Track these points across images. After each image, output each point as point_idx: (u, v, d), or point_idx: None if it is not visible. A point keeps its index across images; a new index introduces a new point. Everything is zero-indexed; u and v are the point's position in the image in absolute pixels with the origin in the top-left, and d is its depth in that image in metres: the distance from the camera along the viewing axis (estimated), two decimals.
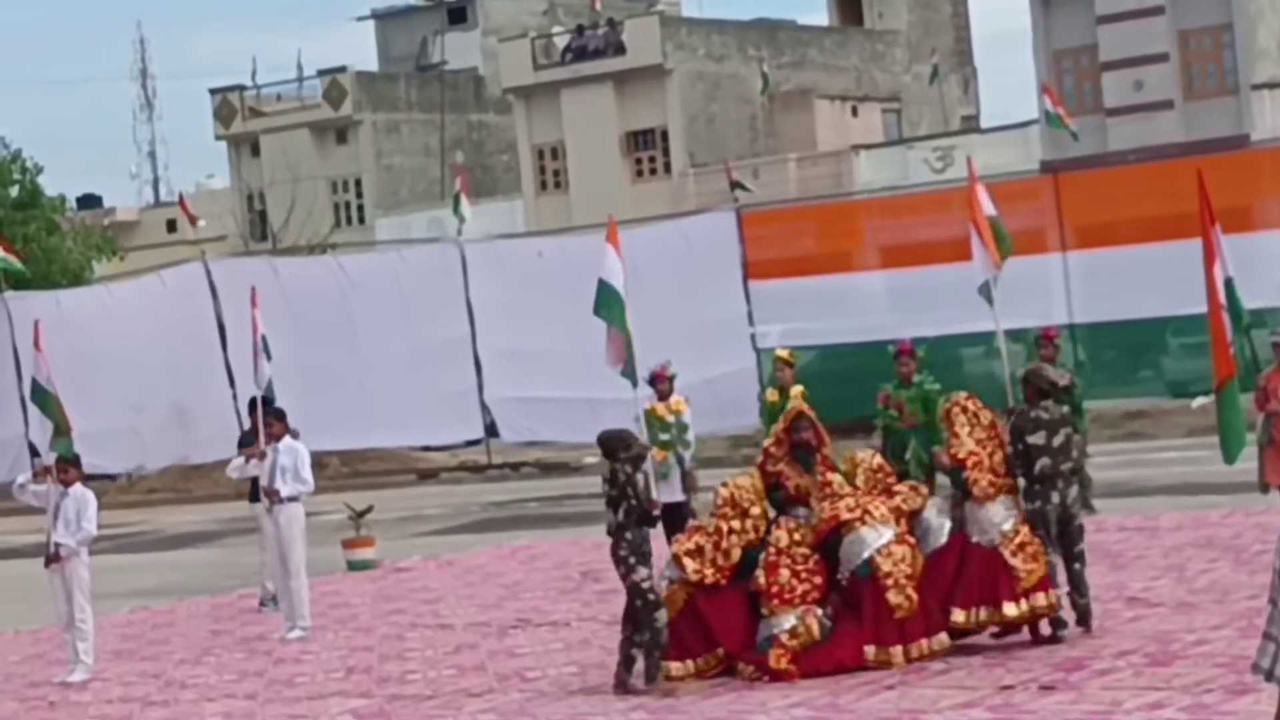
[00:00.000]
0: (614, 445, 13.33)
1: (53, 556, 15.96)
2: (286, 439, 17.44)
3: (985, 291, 16.66)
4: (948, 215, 34.75)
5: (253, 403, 18.63)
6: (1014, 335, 31.37)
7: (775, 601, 13.00)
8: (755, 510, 13.43)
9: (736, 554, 13.29)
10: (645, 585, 13.05)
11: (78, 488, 16.07)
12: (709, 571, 13.24)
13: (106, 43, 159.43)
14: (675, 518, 17.60)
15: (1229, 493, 20.37)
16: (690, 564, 13.28)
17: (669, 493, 18.00)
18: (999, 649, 13.10)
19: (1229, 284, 16.52)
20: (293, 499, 17.30)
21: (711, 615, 13.15)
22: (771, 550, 13.18)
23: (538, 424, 33.88)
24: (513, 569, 20.77)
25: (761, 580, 13.08)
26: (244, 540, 26.33)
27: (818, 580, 13.09)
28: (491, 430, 34.34)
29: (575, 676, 13.66)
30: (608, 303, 15.61)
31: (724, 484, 13.71)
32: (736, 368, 30.12)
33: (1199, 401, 29.09)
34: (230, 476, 19.13)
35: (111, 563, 23.50)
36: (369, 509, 22.70)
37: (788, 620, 12.93)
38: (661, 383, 18.41)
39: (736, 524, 13.36)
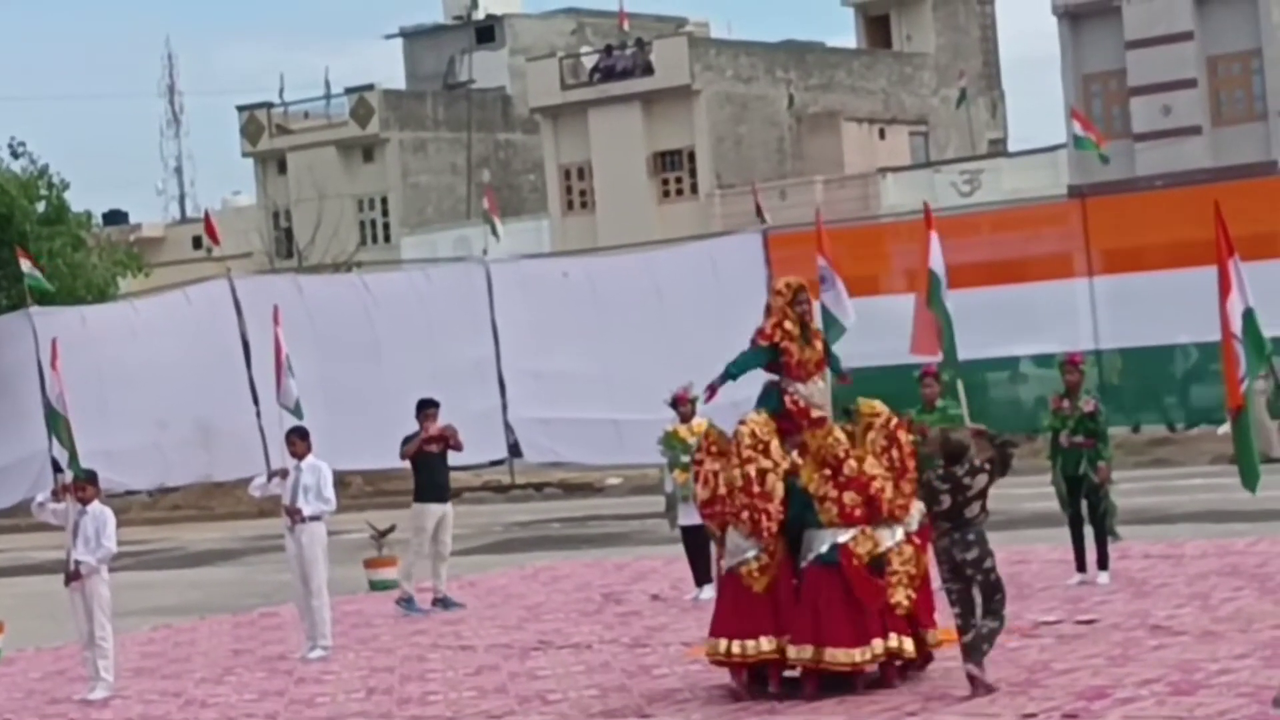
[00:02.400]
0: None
1: (73, 574, 15.96)
2: (309, 457, 17.42)
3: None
4: (974, 239, 34.75)
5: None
6: (1039, 360, 31.47)
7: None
8: (775, 444, 13.36)
9: (780, 488, 13.18)
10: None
11: (96, 505, 16.07)
12: (767, 525, 13.11)
13: (134, 59, 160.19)
14: (697, 540, 17.56)
15: (1254, 520, 20.30)
16: (745, 542, 13.15)
17: (690, 515, 17.93)
18: (1022, 676, 13.02)
19: (1248, 315, 16.45)
20: (315, 518, 17.28)
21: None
22: None
23: (561, 445, 33.86)
24: (535, 590, 20.73)
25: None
26: (265, 559, 26.34)
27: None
28: (515, 450, 34.31)
29: (596, 699, 13.61)
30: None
31: (741, 422, 13.52)
32: (761, 390, 30.04)
33: (1225, 429, 28.96)
34: (252, 495, 19.12)
35: (133, 580, 23.51)
36: (391, 528, 22.68)
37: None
38: (684, 405, 18.36)
39: (766, 461, 13.26)
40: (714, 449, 13.63)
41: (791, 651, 12.96)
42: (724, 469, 13.37)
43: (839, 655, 12.81)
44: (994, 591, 12.97)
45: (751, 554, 13.21)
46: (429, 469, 20.38)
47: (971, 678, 12.56)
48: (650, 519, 25.09)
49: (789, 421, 13.64)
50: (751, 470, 13.24)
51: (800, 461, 13.33)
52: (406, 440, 20.44)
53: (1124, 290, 31.04)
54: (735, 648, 13.12)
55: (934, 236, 16.97)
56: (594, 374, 32.93)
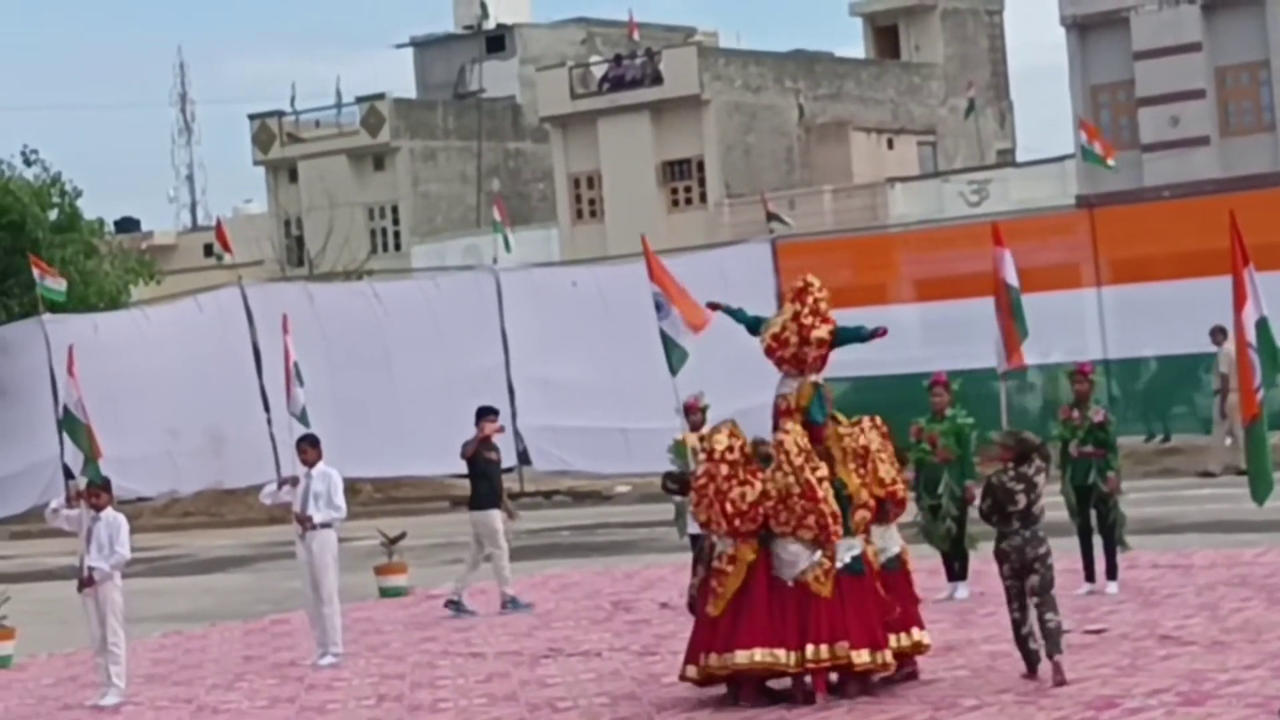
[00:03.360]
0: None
1: (86, 580, 16.03)
2: (320, 465, 17.49)
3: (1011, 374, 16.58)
4: (983, 249, 34.68)
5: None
6: (1048, 370, 31.50)
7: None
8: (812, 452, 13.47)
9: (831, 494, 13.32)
10: None
11: (109, 512, 16.14)
12: (835, 528, 13.25)
13: (146, 67, 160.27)
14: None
15: (1263, 531, 20.33)
16: (802, 549, 13.21)
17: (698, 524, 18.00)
18: (1031, 686, 13.07)
19: (1262, 324, 16.51)
20: (326, 525, 17.34)
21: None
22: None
23: (570, 453, 33.94)
24: (544, 598, 20.78)
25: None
26: (276, 566, 26.39)
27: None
28: (524, 458, 34.37)
29: (606, 707, 13.66)
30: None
31: (785, 432, 13.54)
32: (770, 399, 30.10)
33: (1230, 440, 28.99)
34: (263, 503, 19.19)
35: (144, 586, 23.56)
36: (401, 536, 22.74)
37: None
38: (694, 413, 18.41)
39: (822, 469, 13.34)
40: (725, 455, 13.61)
41: (809, 651, 13.02)
42: (771, 478, 13.35)
43: (864, 656, 12.96)
44: (1051, 586, 13.53)
45: (816, 558, 13.26)
46: (488, 477, 20.54)
47: (1058, 666, 13.09)
48: (659, 527, 25.12)
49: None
50: (811, 477, 13.29)
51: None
52: (466, 443, 20.68)
53: (1132, 300, 31.06)
54: (807, 654, 13.10)
55: (1005, 252, 17.04)
56: (603, 383, 33.00)
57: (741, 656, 12.98)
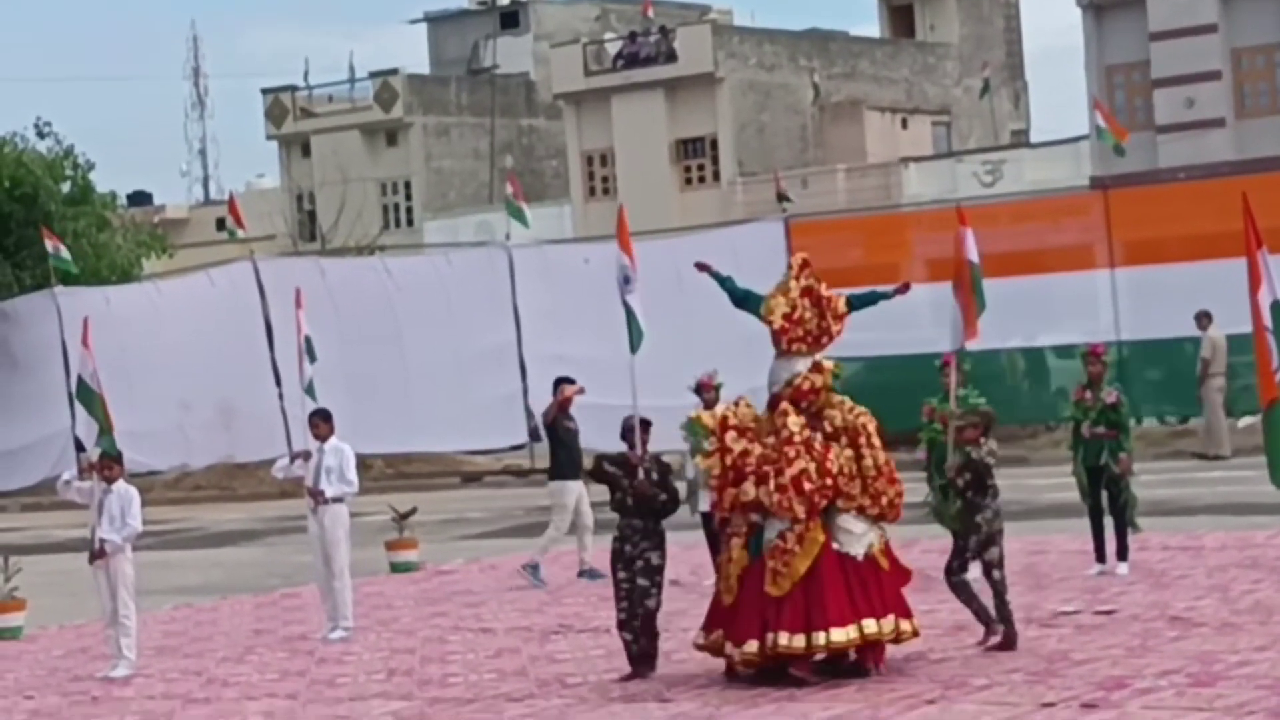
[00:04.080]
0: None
1: (97, 552, 16.04)
2: (332, 439, 17.50)
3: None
4: (995, 229, 34.69)
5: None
6: (1061, 351, 31.46)
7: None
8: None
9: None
10: None
11: (121, 484, 16.14)
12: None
13: (159, 41, 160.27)
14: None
15: (1275, 513, 20.30)
16: (862, 524, 13.29)
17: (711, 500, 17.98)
18: (1041, 666, 13.07)
19: (1276, 307, 16.48)
20: (338, 500, 17.35)
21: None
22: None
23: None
24: (555, 574, 20.79)
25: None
26: (287, 540, 26.44)
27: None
28: (535, 435, 34.35)
29: (616, 684, 13.67)
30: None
31: (862, 413, 13.58)
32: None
33: (1245, 420, 28.99)
34: (275, 477, 19.21)
35: (155, 559, 23.61)
36: (412, 511, 22.75)
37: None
38: (708, 391, 18.39)
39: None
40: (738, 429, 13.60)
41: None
42: (837, 454, 13.32)
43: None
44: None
45: (874, 535, 13.29)
46: (568, 447, 20.54)
47: (1009, 636, 13.61)
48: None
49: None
50: (881, 456, 13.34)
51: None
52: (546, 409, 20.75)
53: (1145, 282, 31.02)
54: (872, 628, 13.13)
55: (968, 231, 17.09)
56: (614, 360, 32.88)
57: (838, 634, 12.95)
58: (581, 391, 19.05)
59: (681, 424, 18.64)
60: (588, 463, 13.91)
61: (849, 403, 13.74)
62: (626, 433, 14.14)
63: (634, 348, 14.73)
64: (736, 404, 13.90)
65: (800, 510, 13.13)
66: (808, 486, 13.14)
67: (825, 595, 12.99)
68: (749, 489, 13.26)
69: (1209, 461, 28.79)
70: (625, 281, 14.90)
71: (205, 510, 34.38)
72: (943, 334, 31.36)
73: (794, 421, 13.33)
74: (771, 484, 13.18)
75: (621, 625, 13.78)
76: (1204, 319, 29.49)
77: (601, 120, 59.86)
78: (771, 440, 13.36)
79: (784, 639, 12.95)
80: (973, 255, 16.75)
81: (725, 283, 14.32)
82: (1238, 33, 47.58)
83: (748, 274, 14.46)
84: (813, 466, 13.18)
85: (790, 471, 13.15)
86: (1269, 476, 16.35)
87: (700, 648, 13.64)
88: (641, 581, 13.59)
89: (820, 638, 12.92)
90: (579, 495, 20.51)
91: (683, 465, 19.85)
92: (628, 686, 13.48)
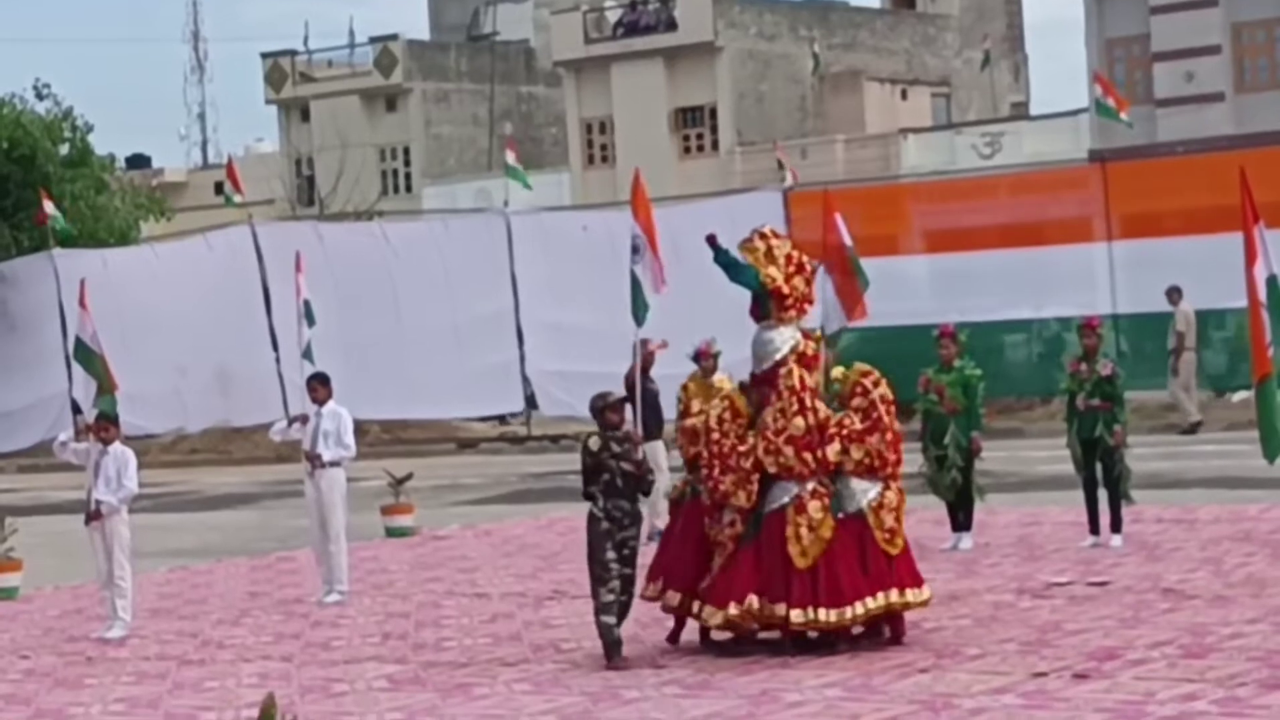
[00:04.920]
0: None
1: (93, 514, 16.07)
2: (330, 403, 17.52)
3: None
4: (994, 201, 34.80)
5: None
6: (1057, 323, 31.51)
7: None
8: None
9: None
10: None
11: (117, 446, 16.16)
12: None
13: (159, 4, 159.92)
14: None
15: (1268, 487, 20.36)
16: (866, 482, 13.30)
17: None
18: (1034, 636, 13.12)
19: (1271, 281, 16.50)
20: (334, 464, 17.38)
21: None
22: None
23: (577, 398, 33.80)
24: (550, 540, 20.84)
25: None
26: (283, 504, 26.48)
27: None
28: (531, 402, 34.41)
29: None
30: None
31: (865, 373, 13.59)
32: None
33: (1239, 395, 29.06)
34: (273, 440, 19.25)
35: (151, 522, 23.64)
36: (408, 476, 22.79)
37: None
38: (706, 359, 18.39)
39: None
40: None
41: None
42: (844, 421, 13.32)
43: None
44: None
45: (874, 492, 13.30)
46: (650, 407, 20.34)
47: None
48: (668, 473, 25.15)
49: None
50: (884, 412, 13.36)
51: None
52: (629, 371, 20.59)
53: (1143, 255, 31.06)
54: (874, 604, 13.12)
55: (839, 216, 17.01)
56: (611, 328, 32.90)
57: (859, 607, 12.98)
58: (664, 346, 18.62)
59: (678, 394, 18.68)
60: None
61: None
62: (600, 411, 13.64)
63: (639, 319, 14.50)
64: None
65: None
66: (824, 456, 13.17)
67: (842, 569, 13.01)
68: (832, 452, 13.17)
69: (1186, 435, 28.88)
70: (635, 251, 14.63)
71: (201, 473, 34.43)
72: (939, 305, 31.52)
73: (807, 378, 13.38)
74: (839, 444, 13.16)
75: (603, 609, 13.20)
76: (1175, 294, 29.72)
77: (601, 88, 59.80)
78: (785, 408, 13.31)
79: (830, 615, 12.91)
80: (846, 239, 16.68)
81: (722, 256, 14.20)
82: (1238, 7, 47.53)
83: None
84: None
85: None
86: (1262, 451, 16.38)
87: (645, 598, 13.66)
88: (627, 570, 13.48)
89: (850, 610, 12.95)
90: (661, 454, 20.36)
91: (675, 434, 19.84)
92: (622, 651, 13.51)
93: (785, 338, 13.67)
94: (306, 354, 19.17)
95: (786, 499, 13.16)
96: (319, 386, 17.61)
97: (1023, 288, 31.80)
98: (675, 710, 11.41)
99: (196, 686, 13.32)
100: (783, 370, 13.47)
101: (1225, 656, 11.95)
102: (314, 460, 17.38)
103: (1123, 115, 32.86)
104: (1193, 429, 29.24)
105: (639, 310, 14.88)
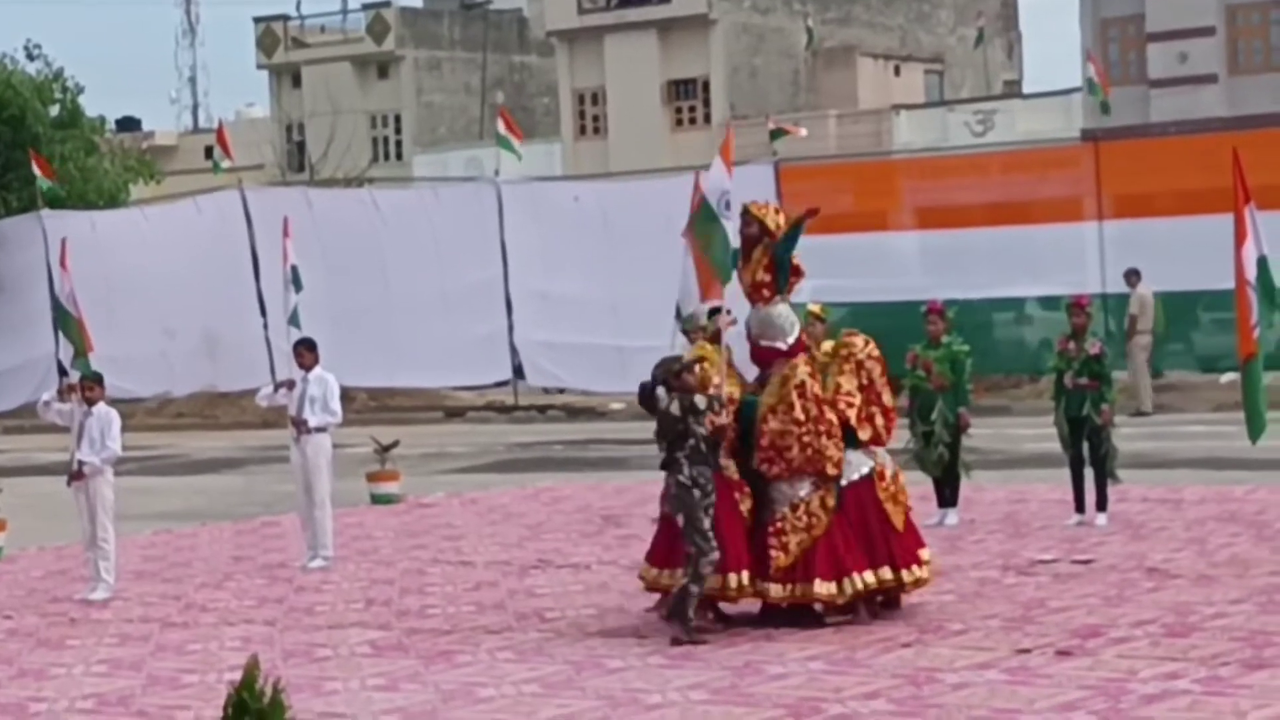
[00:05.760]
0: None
1: (76, 474, 16.04)
2: (317, 369, 17.49)
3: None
4: (985, 179, 34.77)
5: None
6: (1045, 302, 31.50)
7: None
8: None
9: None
10: None
11: (101, 407, 16.12)
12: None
13: None
14: None
15: (1254, 469, 20.39)
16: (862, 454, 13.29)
17: None
18: (1018, 612, 13.12)
19: (1262, 262, 16.49)
20: (320, 430, 17.35)
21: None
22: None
23: (564, 370, 33.94)
24: (535, 510, 20.84)
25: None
26: (268, 469, 26.46)
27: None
28: (519, 373, 34.39)
29: (594, 619, 13.71)
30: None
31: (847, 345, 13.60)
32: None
33: (1228, 377, 29.06)
34: (259, 405, 19.22)
35: (137, 484, 23.62)
36: (395, 444, 22.77)
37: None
38: (697, 332, 18.37)
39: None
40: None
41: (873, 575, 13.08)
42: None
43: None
44: None
45: (869, 466, 13.31)
46: None
47: None
48: (652, 444, 25.15)
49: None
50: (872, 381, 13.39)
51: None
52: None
53: (1133, 235, 31.06)
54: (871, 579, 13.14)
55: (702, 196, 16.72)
56: (600, 299, 32.96)
57: (859, 581, 12.98)
58: (734, 323, 18.46)
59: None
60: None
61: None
62: (677, 374, 12.97)
63: (725, 277, 13.83)
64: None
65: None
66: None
67: (838, 543, 13.01)
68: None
69: (1135, 417, 28.86)
70: (728, 207, 13.96)
71: (187, 437, 34.39)
72: (928, 281, 31.50)
73: (803, 370, 13.34)
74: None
75: (702, 579, 12.60)
76: (1133, 277, 29.77)
77: (594, 59, 59.69)
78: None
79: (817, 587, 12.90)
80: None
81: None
82: None
83: (738, 215, 14.16)
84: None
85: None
86: (1247, 433, 16.39)
87: (644, 578, 13.61)
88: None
89: (855, 581, 12.95)
90: None
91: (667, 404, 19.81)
92: (605, 621, 13.52)
93: (789, 315, 13.67)
94: (292, 320, 19.12)
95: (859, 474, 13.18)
96: (305, 352, 17.58)
97: (1012, 266, 31.78)
98: (659, 680, 11.41)
99: (179, 649, 13.31)
100: (797, 357, 13.42)
101: (1208, 636, 11.96)
102: (300, 426, 17.35)
103: (1105, 97, 32.83)
104: (1137, 413, 29.06)
105: (725, 270, 13.84)
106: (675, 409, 12.86)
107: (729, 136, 14.80)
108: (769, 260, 13.56)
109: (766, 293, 13.61)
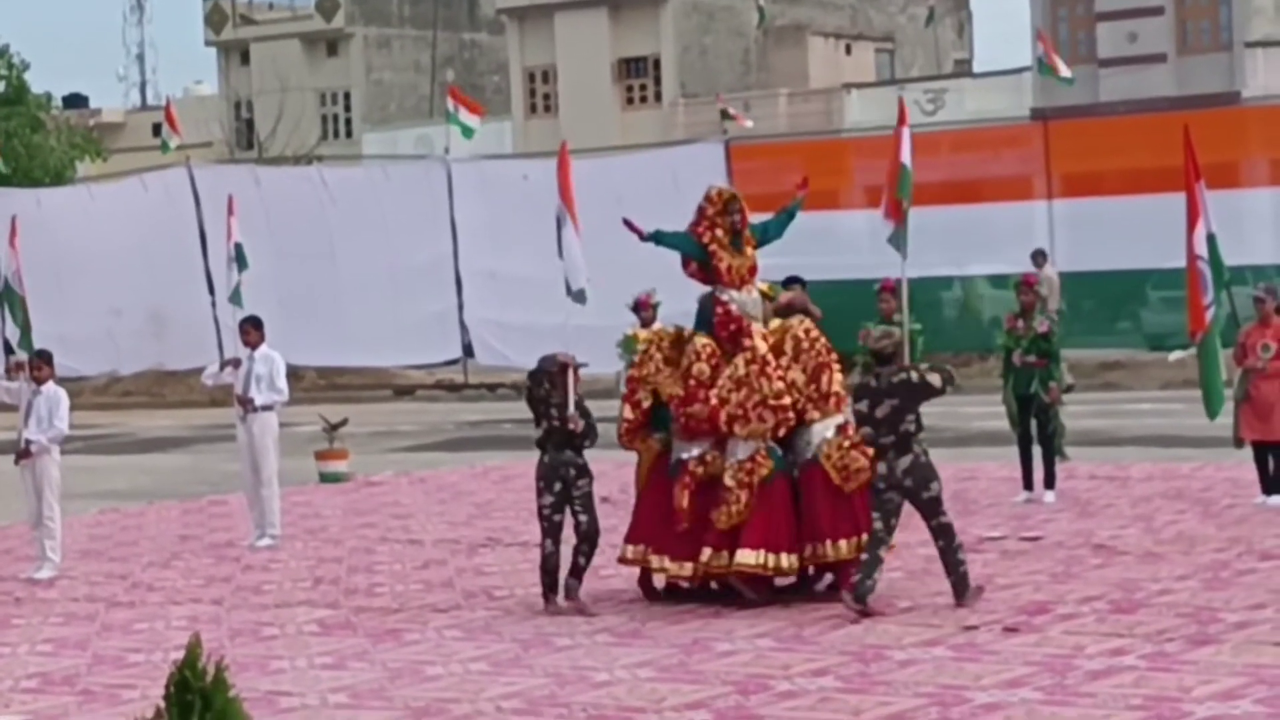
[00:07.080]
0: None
1: (23, 452, 15.95)
2: (263, 347, 17.41)
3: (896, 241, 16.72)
4: (935, 158, 34.72)
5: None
6: (995, 280, 31.57)
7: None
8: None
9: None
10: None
11: (50, 385, 16.03)
12: None
13: None
14: None
15: (1201, 446, 20.47)
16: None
17: None
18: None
19: (1211, 240, 16.56)
20: (267, 408, 17.28)
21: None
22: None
23: (513, 349, 33.84)
24: (484, 488, 20.80)
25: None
26: (216, 448, 26.35)
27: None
28: (468, 351, 34.31)
29: (541, 597, 13.67)
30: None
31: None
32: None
33: (1176, 355, 29.18)
34: (205, 384, 19.11)
35: (83, 463, 23.50)
36: (343, 422, 22.70)
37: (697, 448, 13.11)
38: (645, 310, 18.34)
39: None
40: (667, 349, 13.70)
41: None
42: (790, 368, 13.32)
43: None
44: None
45: (832, 431, 13.30)
46: None
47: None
48: (601, 423, 25.11)
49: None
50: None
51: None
52: None
53: (1082, 214, 31.15)
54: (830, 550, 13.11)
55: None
56: (550, 278, 32.79)
57: (831, 549, 12.99)
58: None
59: (618, 341, 18.66)
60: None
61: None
62: (540, 378, 14.12)
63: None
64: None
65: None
66: (773, 404, 13.18)
67: (779, 518, 13.00)
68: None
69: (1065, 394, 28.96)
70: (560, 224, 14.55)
71: (134, 416, 34.22)
72: (880, 260, 31.49)
73: (761, 345, 13.38)
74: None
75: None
76: (1039, 257, 29.89)
77: (544, 37, 59.51)
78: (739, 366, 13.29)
79: (745, 556, 12.91)
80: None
81: (660, 237, 14.16)
82: None
83: (687, 196, 14.29)
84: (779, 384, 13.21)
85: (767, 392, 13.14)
86: (1204, 408, 16.44)
87: (625, 561, 13.63)
88: (583, 516, 13.48)
89: (825, 549, 12.96)
90: None
91: (618, 384, 19.84)
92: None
93: (752, 302, 13.71)
94: (234, 298, 19.04)
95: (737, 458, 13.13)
96: (251, 330, 17.50)
97: (963, 244, 31.82)
98: (606, 658, 11.39)
99: (125, 628, 13.24)
100: (746, 329, 13.46)
101: (1154, 612, 12.01)
102: (246, 404, 17.27)
103: (1064, 74, 32.87)
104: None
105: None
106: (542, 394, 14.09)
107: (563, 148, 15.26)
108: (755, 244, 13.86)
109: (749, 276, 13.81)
